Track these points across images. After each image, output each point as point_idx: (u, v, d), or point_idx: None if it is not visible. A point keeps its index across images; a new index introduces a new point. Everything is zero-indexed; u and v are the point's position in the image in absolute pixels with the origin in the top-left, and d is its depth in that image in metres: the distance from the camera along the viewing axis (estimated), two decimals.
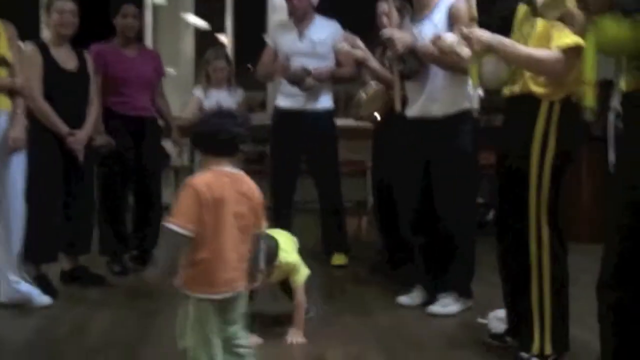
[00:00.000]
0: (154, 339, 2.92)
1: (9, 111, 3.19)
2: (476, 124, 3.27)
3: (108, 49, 4.13)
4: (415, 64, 3.20)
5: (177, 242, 1.98)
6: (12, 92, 3.19)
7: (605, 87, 2.27)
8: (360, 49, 3.80)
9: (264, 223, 2.14)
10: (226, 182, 2.03)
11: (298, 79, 4.19)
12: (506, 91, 2.63)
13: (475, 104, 2.80)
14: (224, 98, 4.66)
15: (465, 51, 2.72)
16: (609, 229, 2.07)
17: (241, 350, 2.11)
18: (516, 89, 2.55)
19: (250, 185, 2.10)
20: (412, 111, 3.32)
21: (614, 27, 2.00)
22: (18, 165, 3.25)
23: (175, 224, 1.95)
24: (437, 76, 3.19)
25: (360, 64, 3.97)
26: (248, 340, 2.16)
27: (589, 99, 2.22)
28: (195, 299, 2.01)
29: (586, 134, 4.10)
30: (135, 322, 3.15)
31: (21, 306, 3.28)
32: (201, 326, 2.01)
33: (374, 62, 3.76)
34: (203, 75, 4.73)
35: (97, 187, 4.06)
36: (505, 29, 2.67)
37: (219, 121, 2.10)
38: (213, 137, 2.07)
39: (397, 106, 3.36)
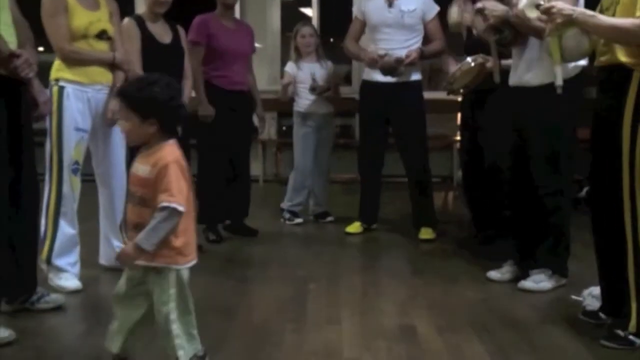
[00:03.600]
0: (249, 303, 3.05)
1: (110, 85, 3.30)
2: (579, 97, 3.17)
3: (211, 19, 4.22)
4: (509, 33, 3.14)
5: (175, 220, 1.97)
6: (112, 66, 3.29)
7: None
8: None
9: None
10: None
11: (391, 70, 4.19)
12: (596, 62, 2.57)
13: (558, 80, 2.73)
14: (316, 69, 4.73)
15: (533, 15, 2.68)
16: None
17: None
18: (605, 59, 2.49)
19: None
20: (510, 80, 3.27)
21: None
22: (119, 137, 3.39)
23: (178, 203, 1.96)
24: (534, 45, 3.12)
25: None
26: None
27: None
28: (176, 271, 2.04)
29: None
30: (231, 287, 3.29)
31: (121, 270, 3.45)
32: (185, 296, 2.07)
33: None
34: (292, 49, 4.81)
35: (200, 157, 4.21)
36: None
37: (171, 90, 2.08)
38: (174, 107, 2.06)
39: (496, 77, 3.32)
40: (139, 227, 1.99)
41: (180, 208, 1.96)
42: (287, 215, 4.83)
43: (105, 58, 3.25)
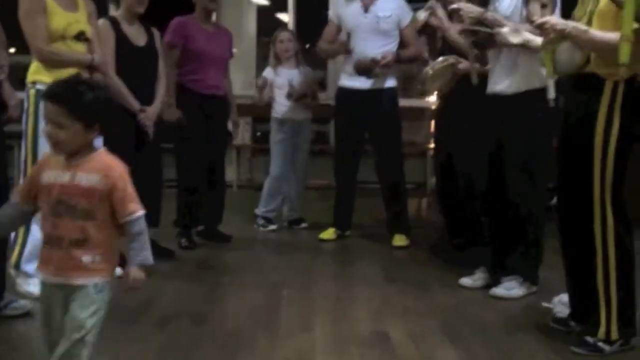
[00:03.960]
0: (222, 309, 3.03)
1: None
2: (555, 108, 3.21)
3: (189, 22, 4.20)
4: (486, 34, 3.16)
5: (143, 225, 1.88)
6: (90, 68, 3.24)
7: None
8: (440, 18, 3.70)
9: None
10: None
11: (366, 70, 4.20)
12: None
13: (551, 93, 2.76)
14: (294, 76, 4.73)
15: (515, 41, 2.74)
16: None
17: None
18: (581, 68, 2.52)
19: None
20: (488, 88, 3.28)
21: None
22: (97, 142, 3.35)
23: (141, 210, 1.88)
24: (509, 52, 3.15)
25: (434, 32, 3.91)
26: None
27: (624, 54, 2.20)
28: (108, 283, 1.89)
29: None
30: (203, 293, 3.26)
31: None
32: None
33: (453, 33, 3.61)
34: (272, 55, 4.81)
35: (177, 162, 4.17)
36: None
37: (107, 92, 1.97)
38: (109, 110, 1.95)
39: (473, 79, 3.34)
40: (81, 243, 1.81)
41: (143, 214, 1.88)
42: (261, 222, 4.81)
43: (83, 60, 3.20)
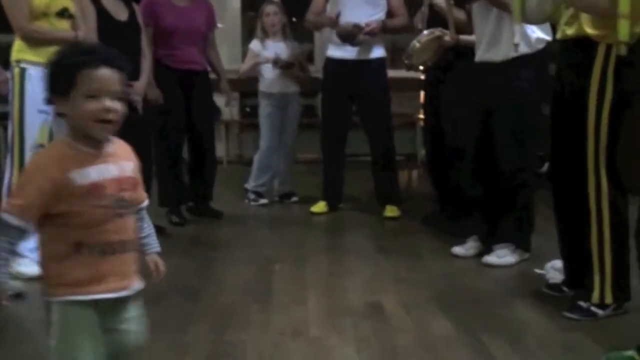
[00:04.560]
0: (215, 284, 3.02)
1: None
2: (544, 74, 3.19)
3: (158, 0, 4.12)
4: None
5: None
6: None
7: None
8: None
9: None
10: None
11: (350, 36, 4.15)
12: (559, 34, 2.57)
13: (516, 38, 2.70)
14: (282, 49, 4.68)
15: None
16: None
17: None
18: (571, 32, 2.49)
19: None
20: (476, 56, 3.26)
21: None
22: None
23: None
24: (495, 19, 3.12)
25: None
26: None
27: (623, 32, 2.16)
28: None
29: None
30: (196, 269, 3.25)
31: None
32: None
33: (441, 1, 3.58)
34: (259, 27, 4.76)
35: (154, 140, 4.13)
36: None
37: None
38: None
39: (452, 33, 3.34)
40: (128, 244, 1.56)
41: None
42: (252, 196, 4.79)
43: (68, 37, 3.12)
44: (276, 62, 4.64)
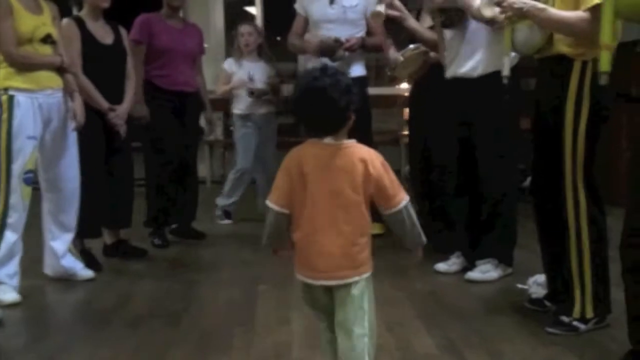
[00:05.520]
0: (197, 307, 2.99)
1: (61, 88, 3.22)
2: (517, 88, 3.21)
3: (154, 18, 4.16)
4: (455, 14, 3.14)
5: (272, 219, 1.83)
6: (60, 70, 3.20)
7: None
8: (397, 9, 3.70)
9: (392, 201, 1.87)
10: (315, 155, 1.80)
11: (329, 50, 4.16)
12: (537, 54, 2.61)
13: (506, 70, 2.75)
14: (256, 69, 4.70)
15: (489, 14, 2.71)
16: (633, 189, 2.08)
17: None
18: (547, 49, 2.53)
19: (350, 158, 1.80)
20: (449, 71, 3.28)
21: None
22: (72, 139, 3.31)
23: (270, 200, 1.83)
24: (474, 35, 3.14)
25: (398, 24, 3.88)
26: None
27: (604, 63, 2.19)
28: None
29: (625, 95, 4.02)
30: (178, 292, 3.22)
31: (66, 280, 3.37)
32: None
33: (412, 22, 3.60)
34: (235, 47, 4.78)
35: (146, 161, 4.13)
36: None
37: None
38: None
39: (443, 59, 3.34)
40: None
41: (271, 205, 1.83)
42: (219, 213, 4.82)
43: (53, 62, 3.18)
44: (252, 93, 4.69)
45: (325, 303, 1.86)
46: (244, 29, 4.78)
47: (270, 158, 4.84)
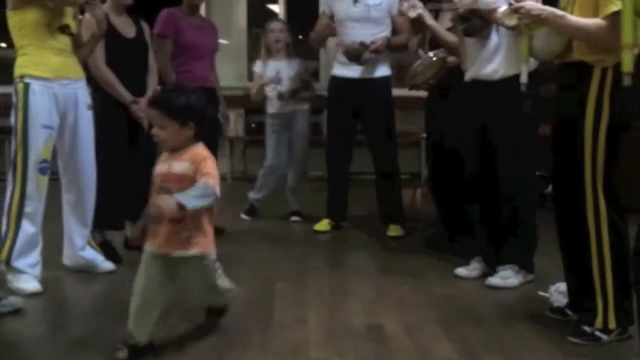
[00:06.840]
0: None
1: (77, 79, 3.22)
2: (536, 94, 3.18)
3: (178, 13, 4.18)
4: (477, 22, 3.13)
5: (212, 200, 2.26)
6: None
7: None
8: (419, 8, 3.63)
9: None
10: None
11: (356, 54, 4.16)
12: (557, 60, 2.59)
13: (523, 77, 2.73)
14: (283, 68, 4.68)
15: (512, 23, 2.70)
16: None
17: None
18: (567, 56, 2.51)
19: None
20: (469, 73, 3.26)
21: None
22: (88, 133, 3.30)
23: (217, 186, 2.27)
24: (496, 38, 3.12)
25: (419, 24, 3.85)
26: None
27: (627, 63, 2.16)
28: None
29: None
30: None
31: (86, 271, 3.39)
32: None
33: (432, 21, 3.58)
34: (263, 46, 4.77)
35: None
36: None
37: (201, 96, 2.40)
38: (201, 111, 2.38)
39: (464, 64, 3.32)
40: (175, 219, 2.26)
41: (218, 192, 2.25)
42: (247, 207, 4.89)
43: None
44: (281, 97, 4.66)
45: None
46: (275, 25, 4.76)
47: (301, 155, 4.82)
